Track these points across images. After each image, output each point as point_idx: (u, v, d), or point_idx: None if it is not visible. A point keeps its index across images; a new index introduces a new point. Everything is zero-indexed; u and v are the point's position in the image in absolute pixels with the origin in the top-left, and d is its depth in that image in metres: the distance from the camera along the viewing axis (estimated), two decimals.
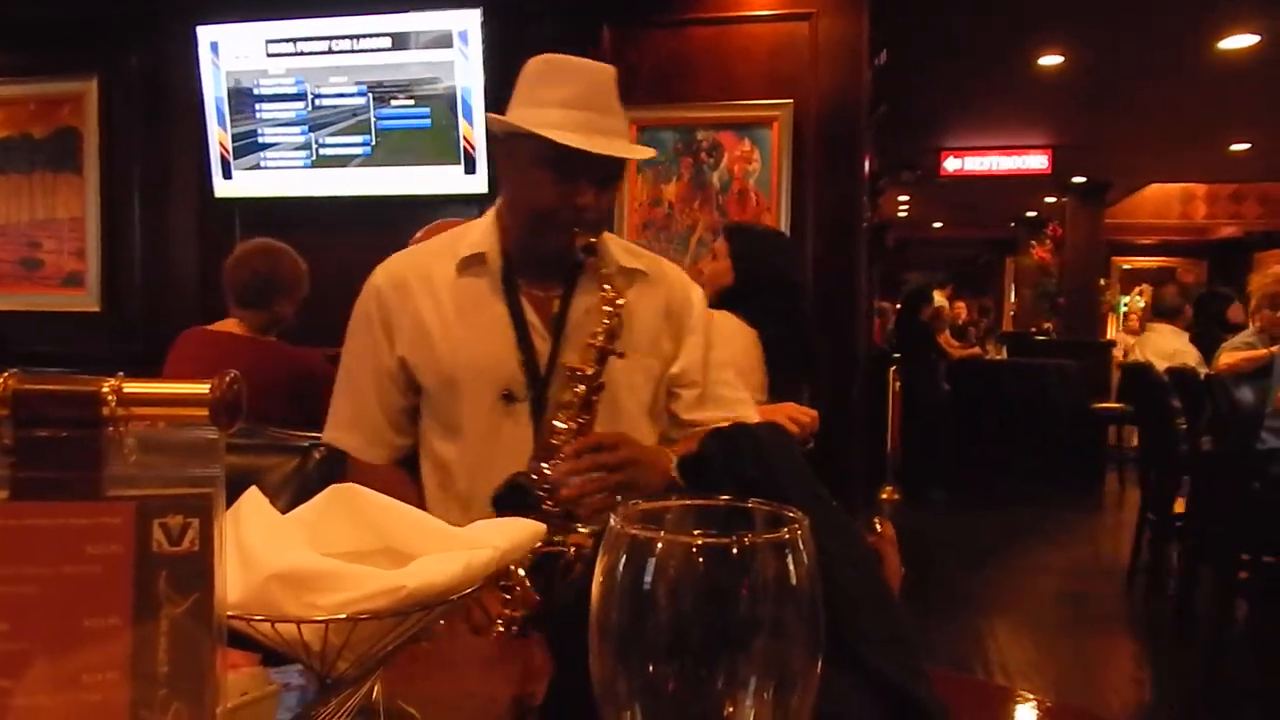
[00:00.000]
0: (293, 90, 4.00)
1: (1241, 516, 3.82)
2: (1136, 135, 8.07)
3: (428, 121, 3.86)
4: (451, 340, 1.46)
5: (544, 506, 1.27)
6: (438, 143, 3.85)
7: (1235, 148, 8.72)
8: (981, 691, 1.21)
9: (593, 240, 1.42)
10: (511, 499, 1.27)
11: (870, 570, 0.77)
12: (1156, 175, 10.60)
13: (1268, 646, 3.84)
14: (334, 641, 0.70)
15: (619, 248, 1.53)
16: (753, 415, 1.59)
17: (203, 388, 0.54)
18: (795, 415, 2.02)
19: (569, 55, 1.43)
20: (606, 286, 1.38)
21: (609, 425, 1.43)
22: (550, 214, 1.41)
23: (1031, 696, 1.19)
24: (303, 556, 0.71)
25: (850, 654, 0.69)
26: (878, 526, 1.03)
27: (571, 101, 1.39)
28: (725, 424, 1.45)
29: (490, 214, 1.54)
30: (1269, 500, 3.52)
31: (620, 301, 1.38)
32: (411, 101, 3.87)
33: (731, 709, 0.42)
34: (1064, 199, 10.45)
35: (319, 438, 1.48)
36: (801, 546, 0.43)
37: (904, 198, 11.99)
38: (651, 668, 0.42)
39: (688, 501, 0.47)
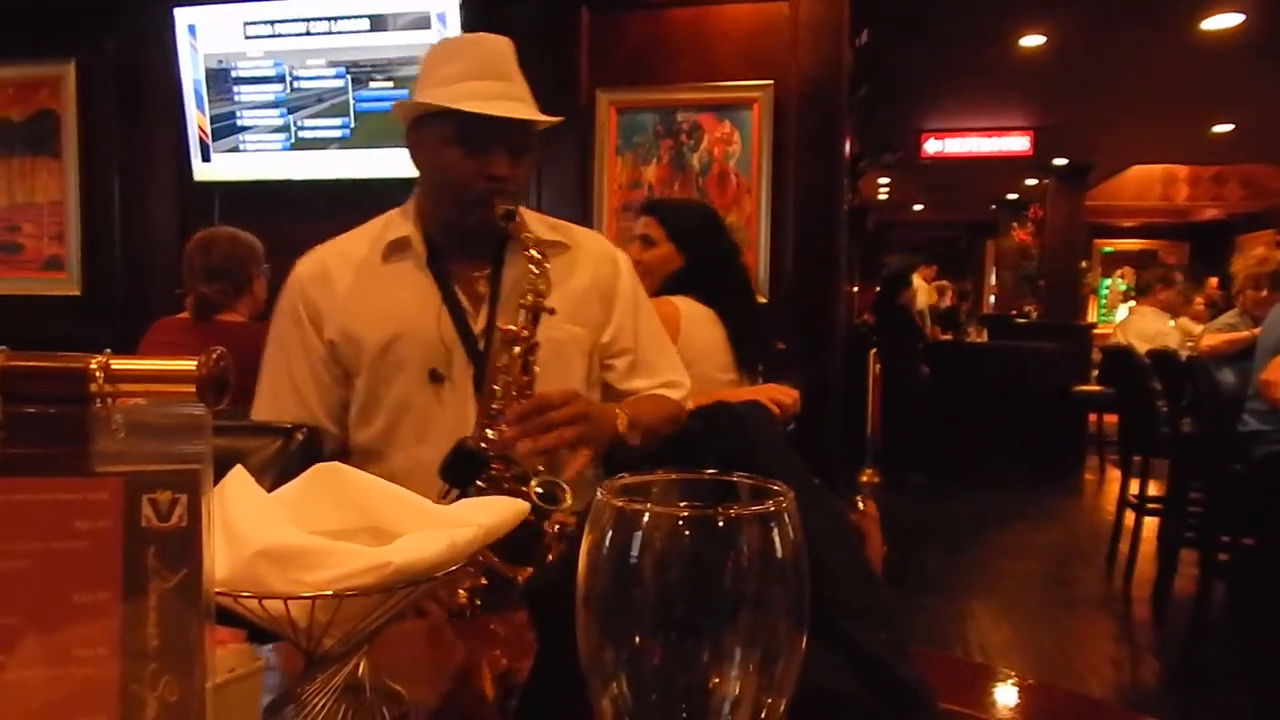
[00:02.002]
0: (271, 72, 3.97)
1: (1221, 499, 3.86)
2: (1118, 117, 8.08)
3: None
4: (380, 321, 1.47)
5: (492, 471, 1.27)
6: None
7: (1218, 129, 8.73)
8: (962, 669, 1.23)
9: (511, 208, 1.41)
10: (459, 466, 1.27)
11: (853, 548, 0.77)
12: (1138, 157, 10.63)
13: (1246, 628, 3.89)
14: (320, 618, 0.71)
15: (537, 221, 1.55)
16: (685, 381, 1.64)
17: (190, 364, 0.54)
18: (777, 396, 2.03)
19: (466, 34, 1.47)
20: (531, 250, 1.38)
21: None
22: (466, 188, 1.43)
23: (1011, 674, 1.21)
24: (289, 534, 0.72)
25: (834, 630, 0.69)
26: (860, 505, 1.04)
27: (470, 73, 1.41)
28: (657, 391, 1.57)
29: (409, 203, 1.55)
30: (1249, 483, 3.56)
31: (546, 264, 1.38)
32: (390, 83, 3.85)
33: (716, 680, 0.43)
34: (1045, 181, 10.48)
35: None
36: (787, 519, 0.44)
37: (884, 180, 12.01)
38: (638, 639, 0.43)
39: (674, 475, 0.48)
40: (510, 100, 1.41)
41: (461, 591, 1.17)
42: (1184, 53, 6.05)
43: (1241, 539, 3.80)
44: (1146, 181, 11.54)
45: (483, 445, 1.29)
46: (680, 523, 0.43)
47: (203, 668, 0.52)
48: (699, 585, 0.43)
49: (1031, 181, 11.18)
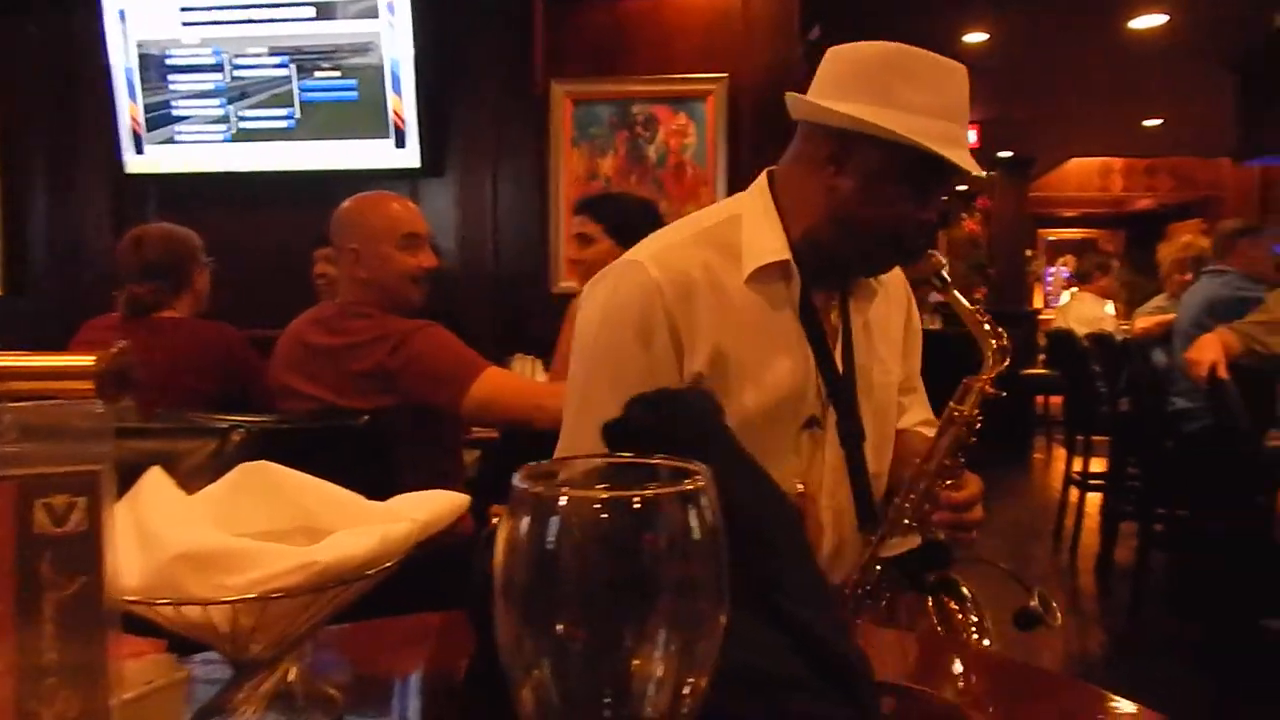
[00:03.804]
0: (209, 60, 3.86)
1: (1157, 474, 3.98)
2: (1057, 111, 8.27)
3: (355, 94, 3.76)
4: (747, 370, 1.25)
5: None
6: (366, 116, 3.76)
7: (1148, 123, 9.02)
8: (912, 644, 1.23)
9: (944, 272, 1.29)
10: (929, 559, 1.23)
11: (792, 526, 0.77)
12: (1077, 150, 10.90)
13: (1182, 595, 4.02)
14: (245, 623, 0.69)
15: None
16: (934, 419, 1.45)
17: (87, 359, 0.52)
18: None
19: (920, 50, 1.23)
20: (989, 329, 1.25)
21: (878, 436, 1.36)
22: (898, 231, 1.25)
23: (961, 647, 1.22)
24: (209, 536, 0.69)
25: (772, 608, 0.69)
26: (799, 486, 1.05)
27: (947, 111, 1.20)
28: (918, 429, 1.44)
29: (765, 201, 1.31)
30: (1181, 458, 3.66)
31: (1004, 341, 1.27)
32: (338, 73, 3.77)
33: (639, 662, 0.42)
34: (992, 173, 10.67)
35: (239, 419, 1.44)
36: (704, 498, 0.43)
37: None
38: (558, 626, 0.42)
39: (593, 459, 0.47)
40: (966, 148, 1.23)
41: None
42: (1115, 51, 6.24)
43: (1176, 511, 3.92)
44: (1085, 173, 11.81)
45: (941, 536, 1.23)
46: (597, 506, 0.42)
47: (107, 681, 0.49)
48: (619, 568, 0.42)
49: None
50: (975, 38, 6.02)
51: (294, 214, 3.67)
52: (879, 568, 1.27)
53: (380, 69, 3.72)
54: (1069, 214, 13.28)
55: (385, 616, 0.98)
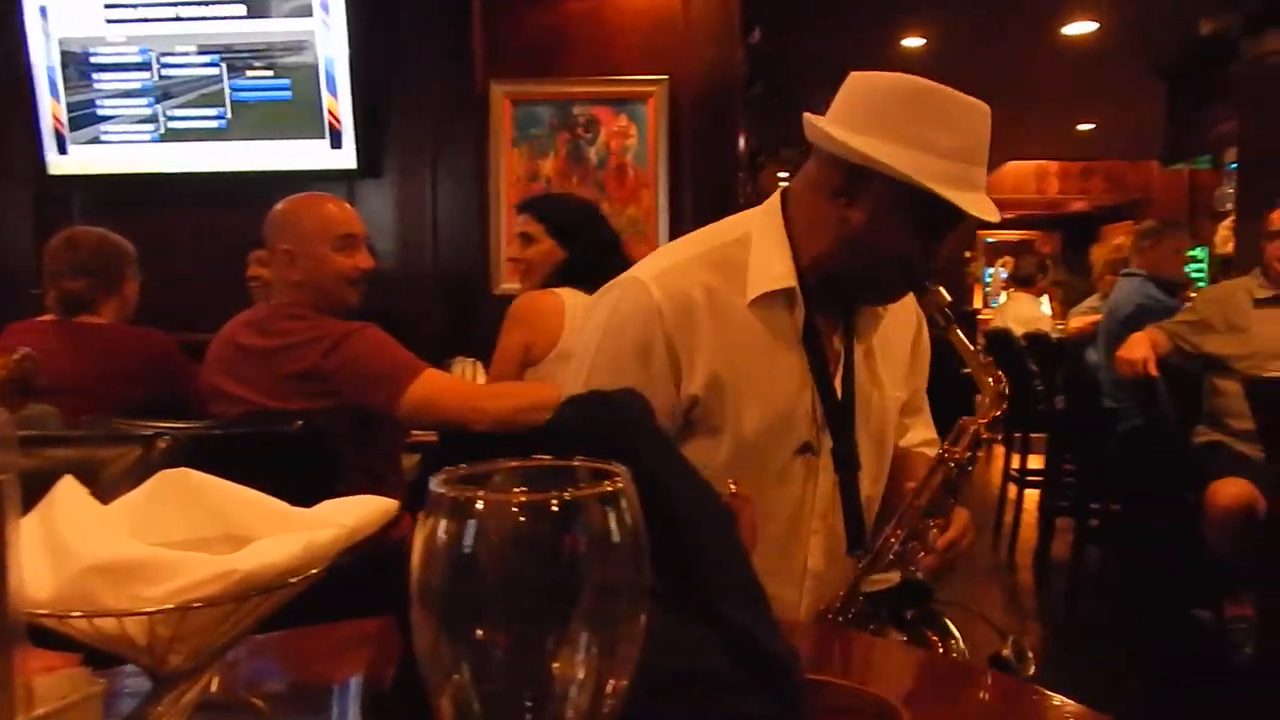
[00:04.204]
0: (136, 59, 3.75)
1: (1092, 471, 4.08)
2: (994, 115, 8.41)
3: (289, 94, 3.70)
4: (744, 394, 1.25)
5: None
6: (300, 116, 3.69)
7: (1082, 127, 9.28)
8: (852, 641, 1.24)
9: (948, 309, 1.28)
10: (906, 597, 1.23)
11: (724, 527, 0.77)
12: (1014, 153, 11.14)
13: (1116, 586, 4.12)
14: (163, 634, 0.67)
15: None
16: (937, 439, 1.47)
17: None
18: None
19: (944, 87, 1.21)
20: (988, 375, 1.26)
21: (874, 462, 1.36)
22: (903, 265, 1.25)
23: (897, 643, 1.23)
24: (124, 546, 0.67)
25: (703, 608, 0.69)
26: (732, 486, 1.05)
27: (965, 154, 1.19)
28: (919, 449, 1.44)
29: (777, 230, 1.29)
30: (1115, 455, 3.76)
31: (1003, 386, 1.27)
32: (270, 72, 3.70)
33: (560, 665, 0.42)
34: None
35: (165, 426, 1.40)
36: (624, 500, 0.43)
37: (784, 174, 12.21)
38: (476, 631, 0.42)
39: (512, 463, 0.46)
40: (981, 192, 1.23)
41: None
42: (1049, 56, 6.40)
43: (1111, 506, 4.03)
44: (1022, 176, 12.07)
45: (919, 575, 1.23)
46: (514, 509, 0.42)
47: (11, 697, 0.48)
48: (537, 572, 0.42)
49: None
50: (913, 42, 6.12)
51: (226, 216, 3.60)
52: (861, 599, 1.28)
53: (314, 68, 3.66)
54: (1007, 216, 13.55)
55: (323, 623, 0.97)
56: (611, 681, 0.43)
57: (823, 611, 1.29)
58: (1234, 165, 5.56)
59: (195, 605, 0.65)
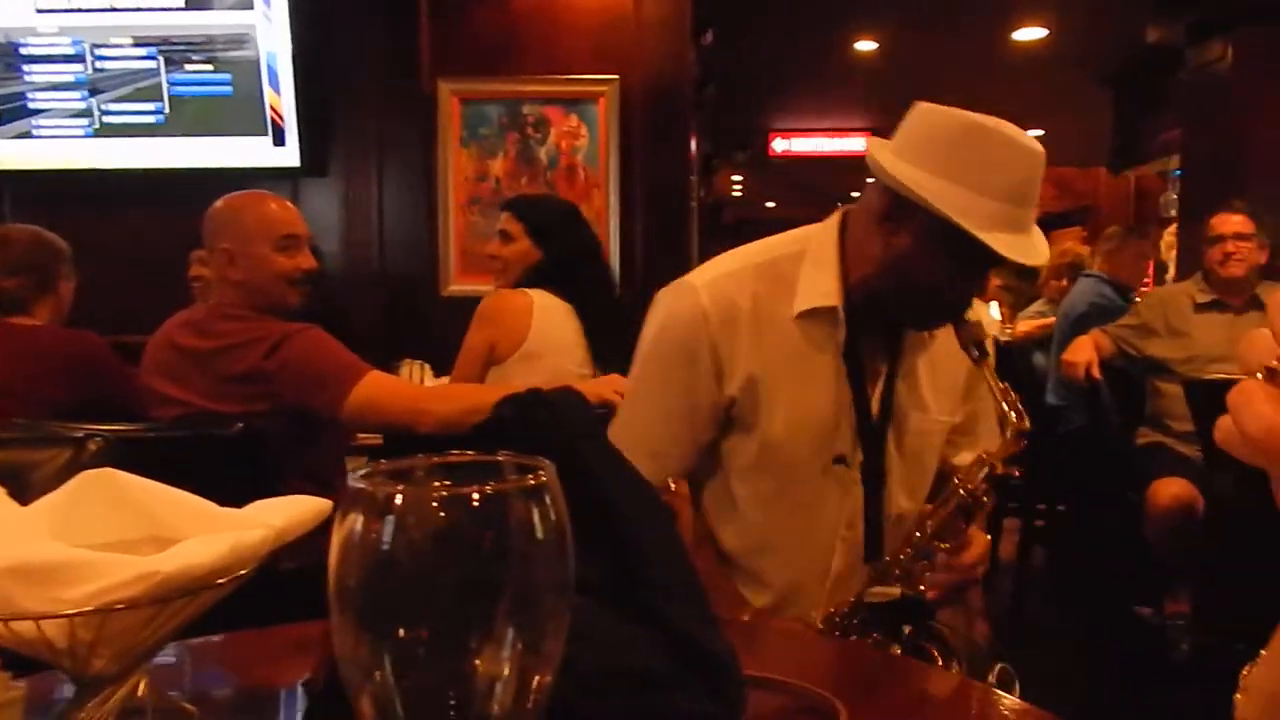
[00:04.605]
0: (69, 50, 3.64)
1: (1038, 472, 4.14)
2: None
3: (229, 89, 3.62)
4: (778, 400, 1.33)
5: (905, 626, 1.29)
6: (242, 112, 3.62)
7: (1031, 133, 9.37)
8: (794, 639, 1.25)
9: (984, 343, 1.29)
10: (902, 613, 1.28)
11: (664, 525, 0.77)
12: None
13: (1061, 586, 4.19)
14: (84, 637, 0.65)
15: None
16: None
17: None
18: (620, 387, 2.03)
19: (1000, 125, 1.24)
20: (1010, 412, 1.27)
21: (909, 478, 1.41)
22: (939, 296, 1.29)
23: (840, 640, 1.24)
24: (41, 547, 0.66)
25: (642, 606, 0.69)
26: (672, 485, 1.05)
27: (1005, 193, 1.22)
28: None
29: (830, 246, 1.35)
30: (1060, 457, 3.82)
31: (1025, 425, 1.28)
32: (210, 66, 3.62)
33: (483, 662, 0.41)
34: None
35: (96, 428, 1.37)
36: (547, 494, 0.42)
37: (738, 177, 12.29)
38: (396, 630, 0.41)
39: (434, 459, 0.45)
40: (1031, 234, 1.26)
41: None
42: (998, 62, 6.51)
43: (1056, 506, 4.09)
44: None
45: (923, 590, 1.28)
46: (434, 504, 0.41)
47: None
48: (458, 568, 0.41)
49: (872, 180, 11.61)
50: (865, 46, 6.19)
51: (164, 215, 3.51)
52: (865, 608, 1.33)
53: (256, 63, 3.59)
54: None
55: (271, 626, 0.95)
56: (536, 678, 0.43)
57: (830, 614, 1.34)
58: (1178, 172, 5.69)
59: (116, 608, 0.64)
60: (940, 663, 1.26)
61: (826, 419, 1.34)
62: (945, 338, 1.37)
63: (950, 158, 1.23)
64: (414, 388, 2.38)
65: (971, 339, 1.29)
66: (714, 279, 1.35)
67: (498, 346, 2.33)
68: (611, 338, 2.34)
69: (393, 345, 3.28)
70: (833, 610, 1.35)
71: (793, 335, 1.32)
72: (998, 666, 1.22)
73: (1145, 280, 4.82)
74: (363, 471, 0.43)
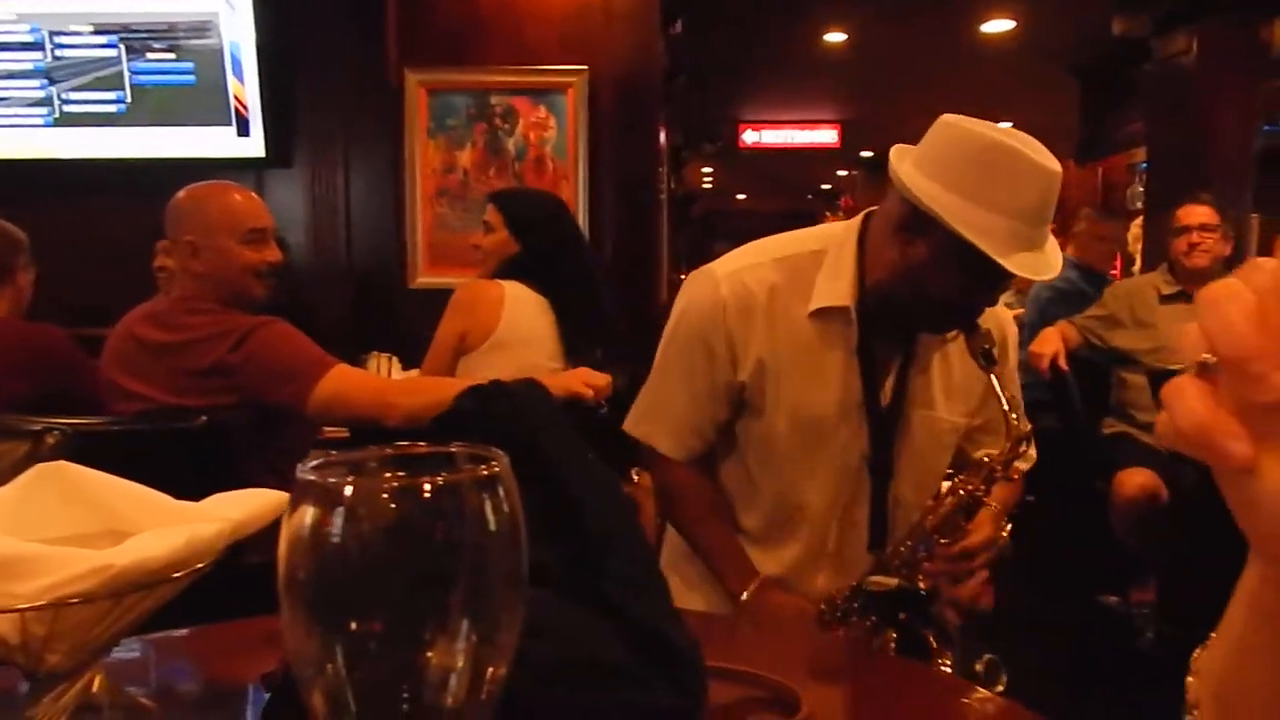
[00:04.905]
0: (27, 38, 3.56)
1: None
2: (913, 112, 8.53)
3: (192, 78, 3.56)
4: (786, 391, 1.39)
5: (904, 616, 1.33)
6: (205, 102, 3.56)
7: (1001, 125, 9.42)
8: (764, 632, 1.25)
9: (992, 349, 1.32)
10: (897, 602, 1.32)
11: (626, 517, 0.77)
12: None
13: (1029, 576, 4.23)
14: (37, 632, 0.64)
15: None
16: (1033, 452, 1.54)
17: None
18: (589, 380, 2.03)
19: (1019, 144, 1.25)
20: (1010, 412, 1.30)
21: (914, 473, 1.44)
22: (951, 307, 1.33)
23: (804, 632, 1.24)
24: None
25: (603, 599, 0.69)
26: (635, 477, 1.05)
27: (1022, 213, 1.24)
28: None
29: (850, 247, 1.40)
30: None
31: (1025, 427, 1.33)
32: (173, 55, 3.55)
33: (437, 655, 0.41)
34: (854, 172, 11.00)
35: (54, 421, 1.35)
36: (501, 485, 0.42)
37: (708, 169, 12.30)
38: (348, 623, 0.40)
39: (387, 450, 0.45)
40: (1043, 251, 1.29)
41: None
42: (967, 54, 6.54)
43: (1025, 497, 4.12)
44: None
45: (920, 584, 1.32)
46: (385, 495, 0.40)
47: None
48: (410, 560, 0.41)
49: (842, 172, 11.71)
50: (835, 37, 6.20)
51: (126, 205, 3.43)
52: (863, 595, 1.37)
53: (219, 52, 3.53)
54: None
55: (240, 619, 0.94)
56: (490, 669, 0.42)
57: (831, 598, 1.39)
58: (1144, 164, 5.75)
59: (69, 602, 0.63)
60: (935, 647, 1.33)
61: (832, 412, 1.39)
62: (955, 346, 1.43)
63: (969, 175, 1.25)
64: (381, 381, 2.37)
65: (980, 347, 1.31)
66: (735, 270, 1.41)
67: (468, 336, 2.33)
68: (587, 333, 2.34)
69: (360, 338, 3.25)
70: (834, 594, 1.39)
71: (806, 331, 1.38)
72: (985, 657, 1.26)
73: (1114, 264, 4.87)
74: (314, 463, 0.43)
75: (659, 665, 0.66)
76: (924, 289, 1.31)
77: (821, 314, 1.37)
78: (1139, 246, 5.44)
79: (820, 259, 1.40)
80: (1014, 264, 1.23)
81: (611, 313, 2.48)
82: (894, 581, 1.35)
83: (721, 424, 1.45)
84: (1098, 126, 6.72)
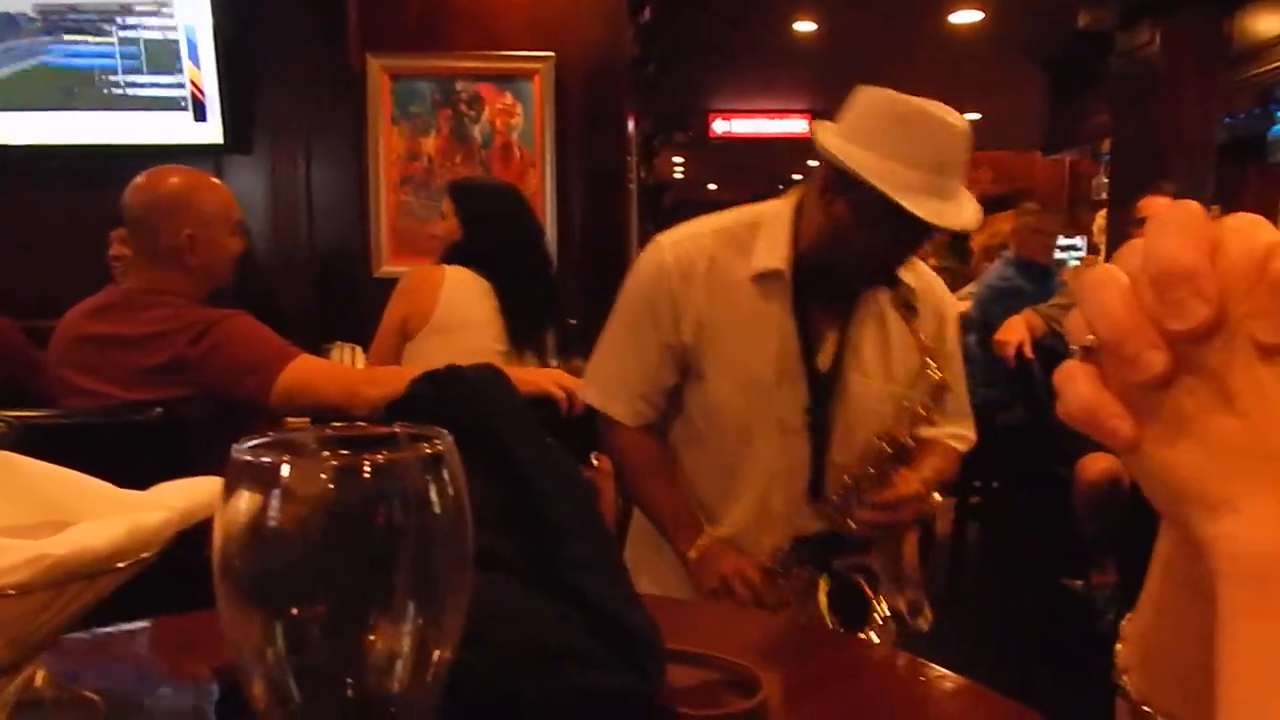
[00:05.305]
0: None
1: (973, 449, 4.21)
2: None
3: (146, 62, 3.48)
4: (737, 346, 1.47)
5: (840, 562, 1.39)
6: (160, 86, 3.48)
7: (969, 117, 9.48)
8: (731, 616, 1.25)
9: (913, 302, 1.42)
10: (824, 546, 1.39)
11: (585, 502, 0.76)
12: None
13: (995, 561, 4.29)
14: None
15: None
16: (971, 435, 1.65)
17: None
18: (562, 381, 2.05)
19: (927, 104, 1.37)
20: (928, 359, 1.38)
21: (847, 435, 1.50)
22: (874, 260, 1.43)
23: (768, 616, 1.24)
24: None
25: (560, 582, 0.68)
26: (595, 462, 1.05)
27: (932, 165, 1.34)
28: (945, 440, 1.59)
29: (785, 217, 1.50)
30: (994, 433, 3.90)
31: (938, 375, 1.40)
32: (126, 37, 3.46)
33: (381, 639, 0.40)
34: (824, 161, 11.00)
35: (3, 414, 1.31)
36: (445, 465, 0.41)
37: (679, 159, 12.29)
38: (288, 608, 0.39)
39: (326, 430, 0.44)
40: (954, 201, 1.38)
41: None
42: (936, 45, 6.58)
43: (990, 483, 4.18)
44: None
45: (851, 525, 1.38)
46: (324, 475, 0.39)
47: None
48: (351, 542, 0.40)
49: (813, 163, 11.66)
50: (805, 27, 6.20)
51: (78, 192, 3.38)
52: (797, 543, 1.46)
53: (175, 34, 3.45)
54: None
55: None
56: (436, 652, 0.41)
57: (775, 550, 1.48)
58: (1109, 156, 5.82)
59: (6, 593, 0.60)
60: (867, 593, 1.40)
61: (770, 374, 1.47)
62: (898, 318, 1.49)
63: (880, 132, 1.35)
64: (346, 370, 2.35)
65: (902, 299, 1.41)
66: (679, 239, 1.52)
67: (409, 321, 2.36)
68: (534, 317, 2.38)
69: (324, 327, 3.20)
70: (776, 547, 1.48)
71: (745, 295, 1.47)
72: (908, 593, 1.36)
73: (1052, 257, 4.94)
74: (249, 443, 0.41)
75: (616, 649, 0.65)
76: (846, 245, 1.41)
77: (759, 279, 1.46)
78: (1104, 237, 5.52)
79: (758, 229, 1.50)
80: (922, 210, 1.31)
81: (560, 301, 2.52)
82: (828, 528, 1.44)
83: (669, 388, 1.53)
84: (1064, 118, 6.79)
